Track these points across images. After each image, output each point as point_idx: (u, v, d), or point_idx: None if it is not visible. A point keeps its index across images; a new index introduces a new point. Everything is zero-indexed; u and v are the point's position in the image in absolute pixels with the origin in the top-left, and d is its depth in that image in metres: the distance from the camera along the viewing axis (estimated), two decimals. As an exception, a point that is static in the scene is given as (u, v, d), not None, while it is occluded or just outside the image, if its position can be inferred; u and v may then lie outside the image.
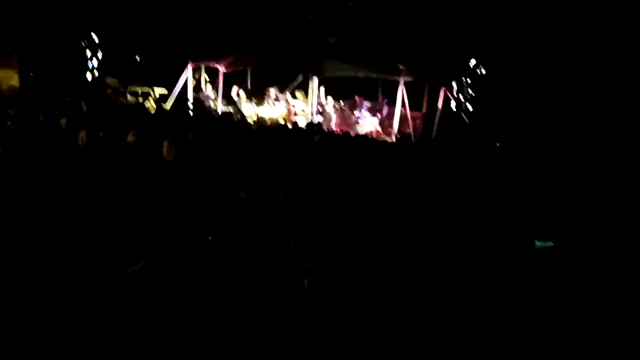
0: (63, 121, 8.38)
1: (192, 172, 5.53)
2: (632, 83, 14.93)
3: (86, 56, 18.66)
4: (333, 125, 17.82)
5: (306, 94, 17.61)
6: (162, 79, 19.98)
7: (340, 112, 18.18)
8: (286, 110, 18.09)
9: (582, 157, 12.15)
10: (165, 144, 6.06)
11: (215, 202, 4.75)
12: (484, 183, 6.21)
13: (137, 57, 21.40)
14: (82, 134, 6.98)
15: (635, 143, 13.43)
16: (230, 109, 18.17)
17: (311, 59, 17.22)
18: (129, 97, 19.02)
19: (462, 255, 3.79)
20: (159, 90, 20.25)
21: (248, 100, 18.34)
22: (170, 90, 18.91)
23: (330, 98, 18.24)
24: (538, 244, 4.21)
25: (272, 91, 18.35)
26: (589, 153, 12.89)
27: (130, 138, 7.10)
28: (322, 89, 17.88)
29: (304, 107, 18.00)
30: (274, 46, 17.68)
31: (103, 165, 5.69)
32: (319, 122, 16.42)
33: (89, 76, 18.96)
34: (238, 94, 18.52)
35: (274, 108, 18.09)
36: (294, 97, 18.40)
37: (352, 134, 15.20)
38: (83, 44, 18.38)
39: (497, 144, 14.32)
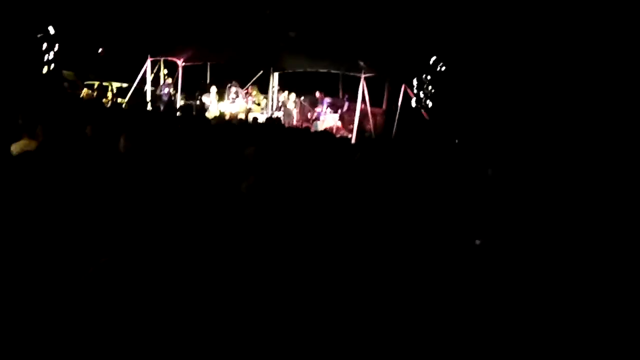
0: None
1: (149, 167, 5.46)
2: (596, 73, 15.23)
3: (42, 49, 18.21)
4: (294, 121, 17.82)
5: (266, 89, 17.58)
6: (120, 72, 19.69)
7: (300, 107, 18.18)
8: (246, 106, 18.02)
9: (540, 156, 12.34)
10: (121, 139, 5.97)
11: (174, 195, 4.71)
12: (436, 179, 6.27)
13: (99, 49, 21.02)
14: (38, 130, 6.82)
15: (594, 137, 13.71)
16: (189, 103, 18.04)
17: (271, 53, 17.16)
18: (85, 90, 18.69)
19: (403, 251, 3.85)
20: (117, 84, 19.96)
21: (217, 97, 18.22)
22: (129, 84, 18.65)
23: (291, 94, 18.22)
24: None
25: (232, 87, 18.25)
26: (547, 151, 13.10)
27: (87, 131, 6.98)
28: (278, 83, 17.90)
29: (260, 102, 18.03)
30: (233, 40, 17.55)
31: (59, 160, 5.56)
32: (278, 117, 16.38)
33: (45, 69, 18.52)
34: (209, 90, 18.37)
35: (234, 103, 18.00)
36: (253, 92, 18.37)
37: (312, 129, 15.23)
38: (38, 36, 17.95)
39: (456, 141, 14.47)
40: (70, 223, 3.96)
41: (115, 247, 3.34)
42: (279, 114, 17.22)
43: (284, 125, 14.90)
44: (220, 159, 6.36)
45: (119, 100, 18.00)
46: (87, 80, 19.61)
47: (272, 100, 17.41)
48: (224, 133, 9.29)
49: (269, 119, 14.52)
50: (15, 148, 6.17)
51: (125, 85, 19.20)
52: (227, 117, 16.70)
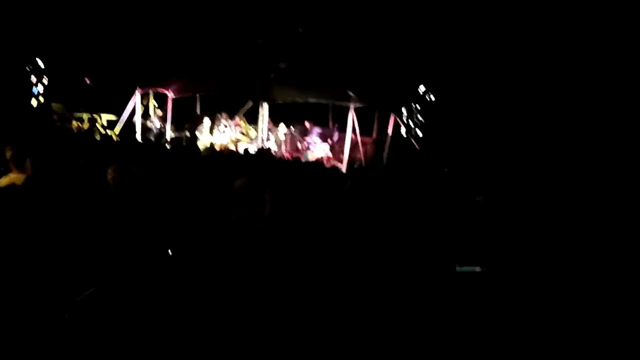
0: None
1: (138, 199, 5.42)
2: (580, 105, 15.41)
3: (31, 82, 18.24)
4: (284, 152, 17.84)
5: (256, 119, 17.60)
6: (110, 104, 19.66)
7: (290, 137, 18.22)
8: (235, 137, 18.02)
9: (532, 185, 12.39)
10: (110, 171, 5.93)
11: (165, 225, 4.68)
12: (425, 207, 6.27)
13: (86, 79, 21.01)
14: (27, 164, 6.77)
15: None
16: (179, 135, 18.03)
17: (261, 84, 17.21)
18: (74, 123, 18.64)
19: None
20: (106, 117, 19.91)
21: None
22: (118, 116, 18.62)
23: (280, 124, 18.28)
24: (461, 268, 4.25)
25: (221, 118, 18.26)
26: (538, 180, 13.16)
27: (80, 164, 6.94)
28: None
29: (249, 132, 18.04)
30: (223, 72, 17.61)
31: (49, 193, 5.52)
32: (269, 148, 16.39)
33: (34, 102, 18.51)
34: (202, 122, 18.36)
35: (224, 134, 17.99)
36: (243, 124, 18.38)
37: (303, 159, 15.24)
38: (28, 69, 17.99)
39: (446, 170, 14.50)
40: (59, 255, 3.92)
41: (104, 277, 3.29)
42: (269, 145, 17.24)
43: (274, 156, 14.92)
44: (211, 190, 6.34)
45: (109, 132, 17.93)
46: (76, 113, 19.55)
47: (262, 131, 17.42)
48: (215, 164, 9.28)
49: (260, 150, 14.52)
50: (2, 181, 6.12)
51: (114, 117, 19.14)
52: (217, 148, 16.71)
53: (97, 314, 2.40)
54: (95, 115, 19.79)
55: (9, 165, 6.53)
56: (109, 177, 5.94)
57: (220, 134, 18.02)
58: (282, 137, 18.17)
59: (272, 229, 4.65)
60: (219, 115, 18.28)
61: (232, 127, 18.10)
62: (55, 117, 18.26)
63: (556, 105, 15.90)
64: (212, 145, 16.68)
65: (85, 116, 19.64)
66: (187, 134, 18.08)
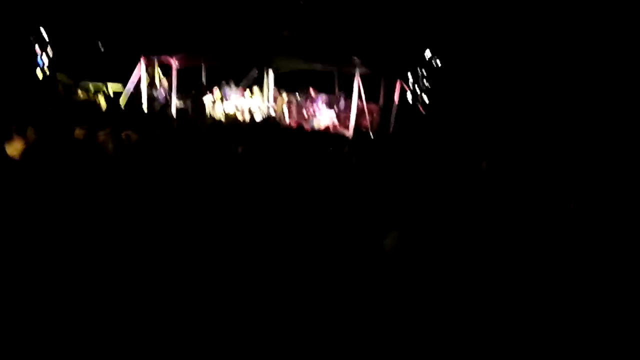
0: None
1: (137, 167, 5.42)
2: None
3: (35, 53, 18.17)
4: (289, 120, 17.80)
5: (261, 88, 17.53)
6: (115, 74, 19.58)
7: (296, 105, 18.15)
8: (241, 106, 17.98)
9: (535, 149, 12.30)
10: (101, 134, 5.93)
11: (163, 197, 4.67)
12: (431, 175, 6.24)
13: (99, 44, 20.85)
14: (30, 131, 6.77)
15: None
16: (185, 105, 18.02)
17: (265, 53, 17.11)
18: (80, 93, 18.60)
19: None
20: (112, 86, 19.85)
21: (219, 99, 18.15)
22: (124, 86, 18.58)
23: (285, 92, 18.23)
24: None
25: (227, 87, 18.21)
26: (548, 146, 13.07)
27: (77, 133, 6.91)
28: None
29: (256, 102, 17.97)
30: (227, 41, 17.49)
31: (50, 163, 5.53)
32: (274, 117, 16.38)
33: (39, 73, 18.47)
34: (210, 92, 18.32)
35: (229, 104, 17.95)
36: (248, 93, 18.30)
37: (308, 128, 15.20)
38: (31, 39, 17.92)
39: (451, 135, 14.43)
40: (59, 224, 3.93)
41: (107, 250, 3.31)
42: (275, 113, 17.21)
43: (279, 123, 14.89)
44: (215, 158, 6.33)
45: (115, 102, 17.90)
46: (82, 83, 19.49)
47: (268, 100, 17.36)
48: (218, 133, 9.27)
49: (266, 118, 14.51)
50: (9, 149, 6.12)
51: (121, 87, 19.07)
52: (222, 118, 16.70)
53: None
54: (101, 85, 19.77)
55: (11, 134, 6.52)
56: (100, 139, 5.91)
57: (225, 103, 17.98)
58: (287, 105, 18.11)
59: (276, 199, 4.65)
60: (224, 85, 18.22)
61: (238, 96, 18.03)
62: (60, 87, 18.21)
63: (565, 67, 15.70)
64: (216, 114, 16.70)
65: (91, 86, 19.61)
66: (193, 103, 18.06)
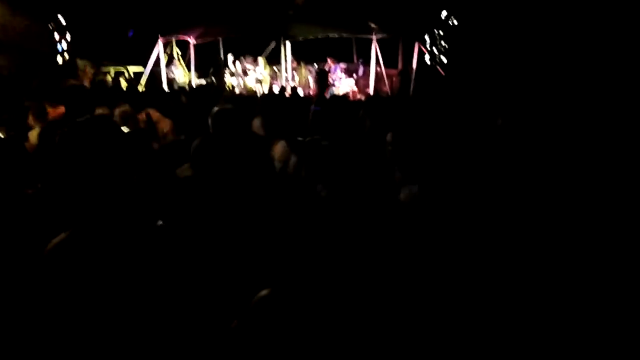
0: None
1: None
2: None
3: (55, 39, 18.37)
4: (309, 90, 17.83)
5: (279, 60, 17.54)
6: (134, 56, 19.73)
7: (315, 75, 18.15)
8: (259, 78, 18.02)
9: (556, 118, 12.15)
10: (117, 112, 6.03)
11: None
12: (448, 134, 6.22)
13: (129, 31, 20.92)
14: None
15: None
16: (204, 81, 18.13)
17: (280, 22, 17.09)
18: (101, 77, 18.83)
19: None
20: (133, 69, 20.04)
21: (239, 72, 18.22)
22: (144, 67, 18.75)
23: (303, 63, 18.24)
24: None
25: (245, 60, 18.25)
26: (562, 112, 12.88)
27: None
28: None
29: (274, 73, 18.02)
30: (242, 13, 17.49)
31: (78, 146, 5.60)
32: (293, 87, 16.40)
33: (59, 59, 18.69)
34: (226, 66, 18.42)
35: (248, 77, 18.01)
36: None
37: (328, 95, 15.21)
38: (50, 26, 18.09)
39: (470, 94, 14.32)
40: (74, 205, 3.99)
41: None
42: (293, 84, 17.24)
43: (298, 94, 14.92)
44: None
45: (135, 83, 18.09)
46: (102, 67, 19.71)
47: (287, 71, 17.39)
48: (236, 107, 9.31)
49: (282, 89, 14.55)
50: (31, 136, 6.25)
51: (141, 68, 19.24)
52: (242, 91, 16.77)
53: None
54: (121, 68, 19.97)
55: (28, 120, 6.66)
56: (116, 118, 6.01)
57: (244, 77, 18.04)
58: (307, 75, 18.12)
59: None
60: (242, 58, 18.26)
61: (256, 68, 18.07)
62: (80, 72, 18.45)
63: (585, 26, 15.40)
64: (233, 88, 16.78)
65: (111, 69, 19.82)
66: (212, 79, 18.16)
